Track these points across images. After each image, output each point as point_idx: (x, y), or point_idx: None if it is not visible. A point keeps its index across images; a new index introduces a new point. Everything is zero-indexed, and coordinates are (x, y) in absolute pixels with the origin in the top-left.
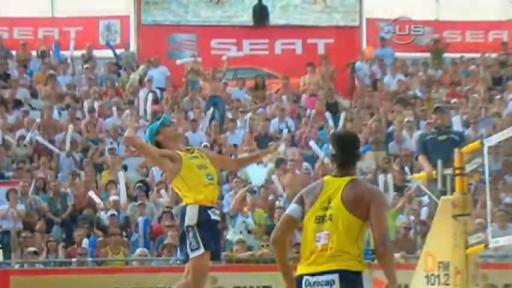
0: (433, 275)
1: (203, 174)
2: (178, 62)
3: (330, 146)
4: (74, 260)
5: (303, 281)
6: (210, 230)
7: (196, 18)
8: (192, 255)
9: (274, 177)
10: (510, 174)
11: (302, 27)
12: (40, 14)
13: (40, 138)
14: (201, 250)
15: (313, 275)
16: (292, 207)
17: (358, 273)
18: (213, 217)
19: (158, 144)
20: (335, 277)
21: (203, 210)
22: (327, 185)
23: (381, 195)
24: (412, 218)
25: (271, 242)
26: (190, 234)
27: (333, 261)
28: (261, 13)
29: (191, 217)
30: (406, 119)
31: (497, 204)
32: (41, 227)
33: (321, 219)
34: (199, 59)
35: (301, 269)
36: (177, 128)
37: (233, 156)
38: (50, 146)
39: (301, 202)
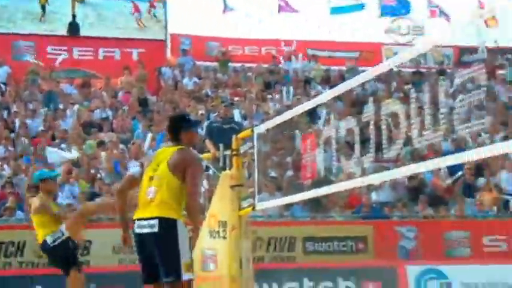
0: (214, 230)
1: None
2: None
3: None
4: None
5: (136, 224)
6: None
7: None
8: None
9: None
10: (275, 155)
11: (121, 39)
12: None
13: None
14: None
15: (141, 219)
16: (135, 169)
17: (173, 220)
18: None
19: (37, 187)
20: (155, 222)
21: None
22: (159, 154)
23: (197, 161)
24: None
25: (116, 193)
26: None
27: (156, 210)
28: (74, 27)
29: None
30: (200, 112)
31: (266, 177)
32: None
33: (151, 179)
34: (41, 63)
35: (135, 215)
36: None
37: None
38: None
39: (142, 166)
